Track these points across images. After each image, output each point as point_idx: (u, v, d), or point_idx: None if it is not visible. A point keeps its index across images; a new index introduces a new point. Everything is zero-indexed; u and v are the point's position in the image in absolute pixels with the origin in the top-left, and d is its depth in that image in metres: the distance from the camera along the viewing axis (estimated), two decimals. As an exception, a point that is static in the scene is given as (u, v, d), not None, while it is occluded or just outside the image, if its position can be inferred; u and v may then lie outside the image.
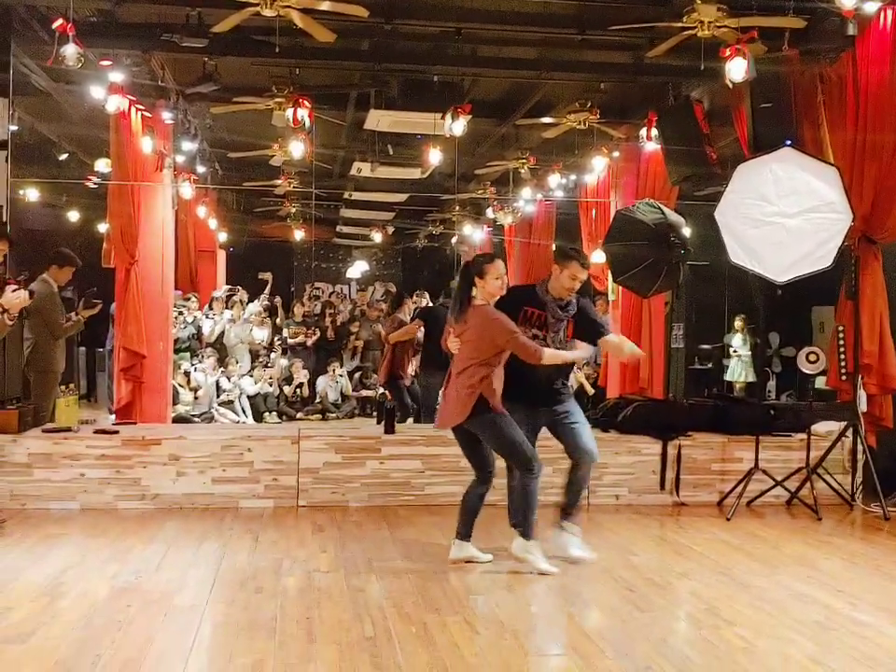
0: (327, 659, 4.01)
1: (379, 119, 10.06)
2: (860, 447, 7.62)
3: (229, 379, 12.75)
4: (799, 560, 5.91)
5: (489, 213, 14.90)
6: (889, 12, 7.35)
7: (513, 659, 4.06)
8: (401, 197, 14.42)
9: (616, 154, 11.10)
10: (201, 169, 12.17)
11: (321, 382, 13.32)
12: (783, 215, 7.40)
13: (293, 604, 4.82)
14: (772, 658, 4.11)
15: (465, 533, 5.68)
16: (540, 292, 5.80)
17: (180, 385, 12.02)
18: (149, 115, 9.54)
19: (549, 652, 4.24)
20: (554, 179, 12.03)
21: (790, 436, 7.97)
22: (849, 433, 7.67)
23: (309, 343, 13.81)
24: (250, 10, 6.91)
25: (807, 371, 7.76)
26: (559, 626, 4.63)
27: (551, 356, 5.46)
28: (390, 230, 16.59)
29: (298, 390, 13.15)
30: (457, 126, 8.85)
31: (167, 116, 9.64)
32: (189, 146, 10.61)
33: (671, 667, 3.96)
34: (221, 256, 17.08)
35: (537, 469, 5.46)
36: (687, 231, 8.20)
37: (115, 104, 8.39)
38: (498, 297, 5.50)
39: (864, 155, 7.65)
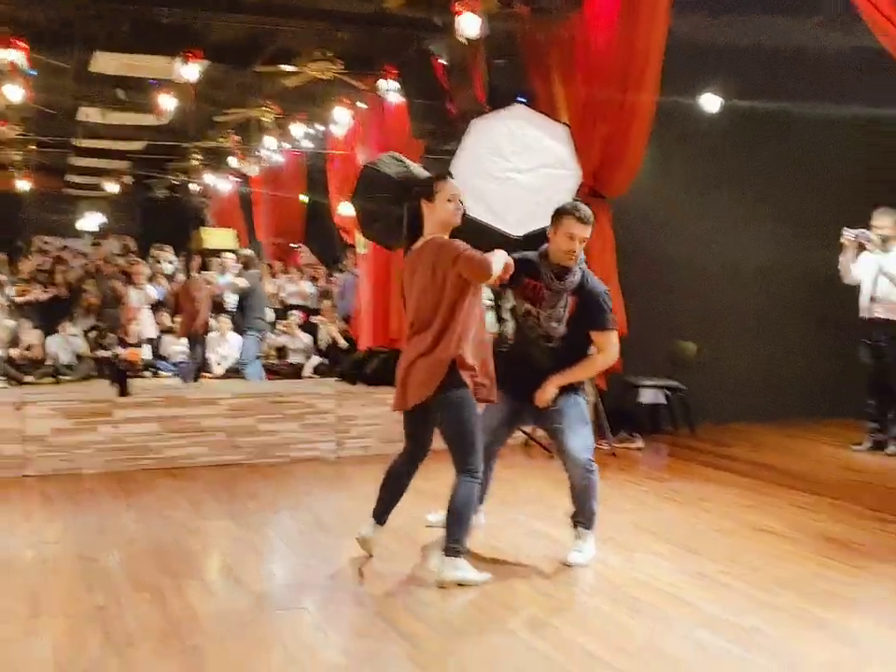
0: (54, 631, 3.81)
1: (107, 62, 9.47)
2: (589, 389, 8.07)
3: (-52, 342, 11.71)
4: (534, 498, 6.22)
5: (233, 162, 14.43)
6: (616, -28, 7.68)
7: (252, 616, 4.00)
8: (137, 145, 13.68)
9: (361, 106, 11.04)
10: None
11: (52, 342, 12.49)
12: (517, 170, 7.63)
13: (15, 578, 4.53)
14: (503, 593, 4.27)
15: (380, 515, 4.81)
16: (541, 260, 4.75)
17: None
18: None
19: (287, 608, 4.21)
20: (300, 129, 11.81)
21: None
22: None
23: (38, 300, 12.90)
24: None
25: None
26: (299, 583, 4.60)
27: (498, 259, 4.35)
28: (127, 179, 15.72)
29: (27, 352, 12.27)
30: (190, 71, 8.47)
31: None
32: None
33: (405, 611, 4.04)
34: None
35: (480, 473, 4.51)
36: (431, 185, 8.32)
37: None
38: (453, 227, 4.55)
39: (593, 112, 7.99)
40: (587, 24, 7.98)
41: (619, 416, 8.25)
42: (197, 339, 11.40)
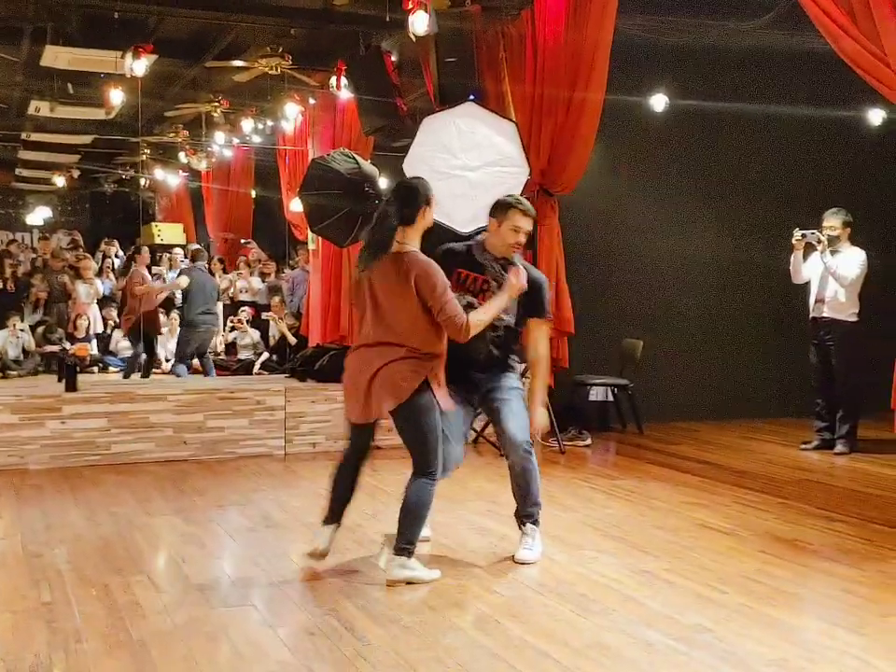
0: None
1: (57, 56, 9.36)
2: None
3: None
4: (480, 494, 6.27)
5: (182, 157, 14.32)
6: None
7: (198, 613, 4.01)
8: (86, 139, 13.51)
9: (312, 102, 11.03)
10: None
11: (0, 337, 12.32)
12: (466, 168, 7.69)
13: (-42, 577, 4.49)
14: (449, 590, 4.32)
15: (336, 516, 4.67)
16: (477, 252, 4.73)
17: None
18: None
19: (235, 604, 4.22)
20: (249, 125, 11.76)
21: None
22: (529, 373, 8.17)
23: (-15, 295, 12.70)
24: None
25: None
26: (247, 580, 4.61)
27: (475, 322, 4.35)
28: (75, 173, 15.50)
29: (-27, 347, 12.08)
30: (139, 65, 8.41)
31: None
32: None
33: (354, 608, 4.07)
34: None
35: (438, 475, 4.47)
36: (382, 182, 8.35)
37: None
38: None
39: (542, 110, 8.09)
40: (537, 22, 8.06)
41: (567, 414, 8.34)
42: (140, 334, 11.19)
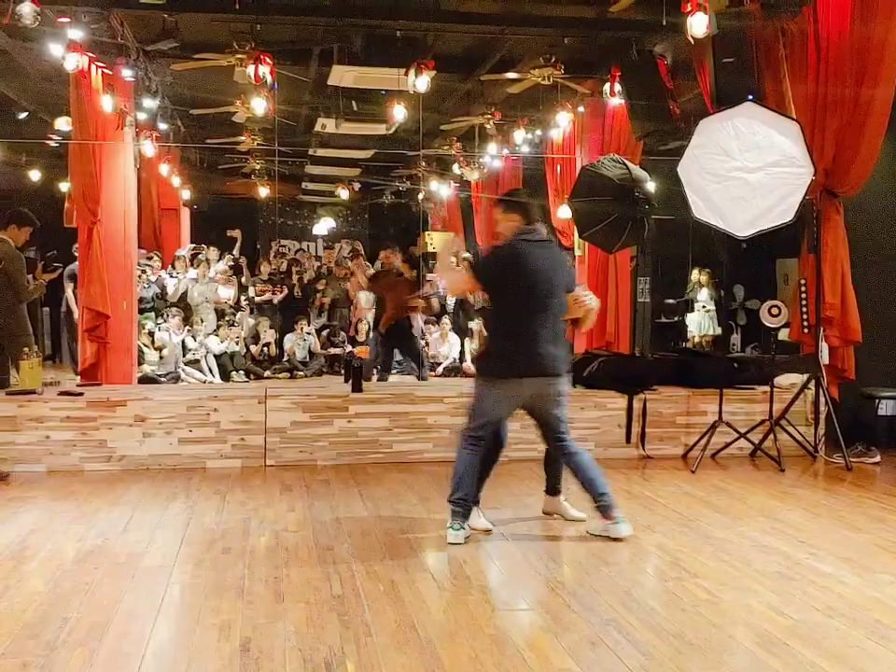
0: (295, 618, 4.04)
1: (342, 75, 9.93)
2: (822, 399, 7.73)
3: (194, 338, 12.68)
4: (762, 511, 6.02)
5: (455, 169, 14.82)
6: (850, -34, 7.35)
7: (480, 614, 4.11)
8: (367, 153, 14.28)
9: (581, 109, 11.06)
10: (163, 126, 11.98)
11: (289, 340, 13.28)
12: (745, 169, 7.42)
13: (261, 564, 4.84)
14: (735, 609, 4.19)
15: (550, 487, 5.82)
16: None
17: (145, 346, 11.94)
18: (110, 72, 9.38)
19: (516, 607, 4.31)
20: (520, 135, 11.96)
21: (753, 389, 8.08)
22: (812, 385, 7.78)
23: (276, 300, 13.75)
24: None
25: (770, 325, 7.84)
26: (526, 581, 4.68)
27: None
28: (356, 186, 16.45)
29: (265, 349, 13.10)
30: (421, 82, 8.75)
31: (127, 73, 9.51)
32: (150, 103, 10.47)
33: (636, 620, 4.03)
34: (185, 214, 16.87)
35: None
36: (651, 186, 8.25)
37: (74, 62, 8.28)
38: None
39: (826, 109, 7.69)
40: (820, 18, 7.67)
41: (854, 428, 7.84)
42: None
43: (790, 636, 3.85)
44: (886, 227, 8.42)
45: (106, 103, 9.29)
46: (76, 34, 8.21)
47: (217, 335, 13.04)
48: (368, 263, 14.49)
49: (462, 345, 13.22)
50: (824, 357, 7.82)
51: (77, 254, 10.16)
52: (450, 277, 6.66)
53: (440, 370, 12.45)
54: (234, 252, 15.01)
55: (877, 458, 7.67)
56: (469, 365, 12.88)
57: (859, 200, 7.93)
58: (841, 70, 7.53)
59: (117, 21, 8.84)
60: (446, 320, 12.92)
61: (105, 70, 9.33)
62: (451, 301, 13.41)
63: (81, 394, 7.35)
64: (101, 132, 9.56)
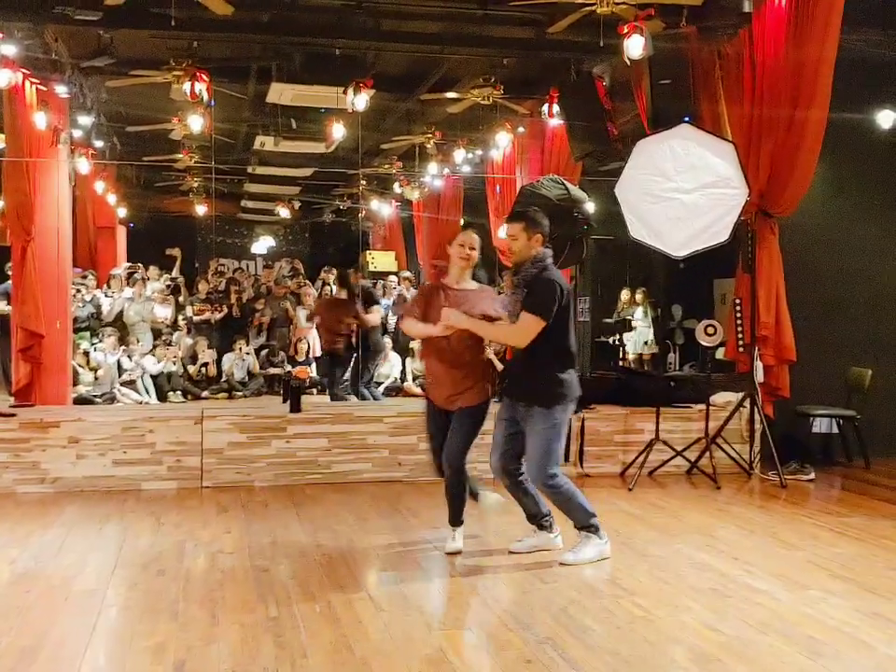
0: (230, 640, 3.97)
1: (281, 93, 9.88)
2: (757, 417, 7.84)
3: (130, 358, 12.45)
4: (698, 528, 6.07)
5: (396, 188, 14.83)
6: (784, -11, 7.51)
7: (417, 634, 4.08)
8: (307, 172, 14.21)
9: (521, 129, 11.15)
10: (98, 143, 11.80)
11: (227, 360, 13.10)
12: (681, 190, 7.54)
13: (196, 586, 4.76)
14: (670, 626, 4.21)
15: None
16: None
17: (80, 366, 11.70)
18: (44, 89, 9.25)
19: (453, 626, 4.27)
20: (460, 154, 12.03)
21: (690, 407, 8.16)
22: (747, 403, 7.89)
23: (214, 320, 13.57)
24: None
25: (705, 344, 7.93)
26: (463, 601, 4.66)
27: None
28: (296, 205, 16.36)
29: (203, 369, 12.92)
30: (360, 100, 8.75)
31: (62, 90, 9.37)
32: (85, 120, 10.33)
33: (571, 638, 4.03)
34: (122, 232, 16.61)
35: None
36: (590, 207, 8.32)
37: (6, 78, 8.15)
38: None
39: (761, 130, 7.83)
40: (755, 41, 7.82)
41: (788, 446, 7.96)
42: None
43: (724, 652, 3.87)
44: (820, 247, 8.58)
45: (40, 119, 9.14)
46: (8, 49, 8.08)
47: (153, 355, 12.83)
48: (308, 282, 14.40)
49: (403, 364, 13.17)
50: (759, 376, 7.93)
51: (10, 273, 9.95)
52: (503, 333, 5.49)
53: (381, 389, 12.37)
54: (174, 272, 14.80)
55: (811, 475, 7.78)
56: (410, 384, 12.83)
57: (794, 220, 8.07)
58: (776, 92, 7.65)
59: (51, 36, 8.69)
60: (387, 340, 12.85)
61: (40, 86, 9.20)
62: (392, 320, 13.37)
63: (14, 415, 7.18)
64: (35, 148, 9.39)
